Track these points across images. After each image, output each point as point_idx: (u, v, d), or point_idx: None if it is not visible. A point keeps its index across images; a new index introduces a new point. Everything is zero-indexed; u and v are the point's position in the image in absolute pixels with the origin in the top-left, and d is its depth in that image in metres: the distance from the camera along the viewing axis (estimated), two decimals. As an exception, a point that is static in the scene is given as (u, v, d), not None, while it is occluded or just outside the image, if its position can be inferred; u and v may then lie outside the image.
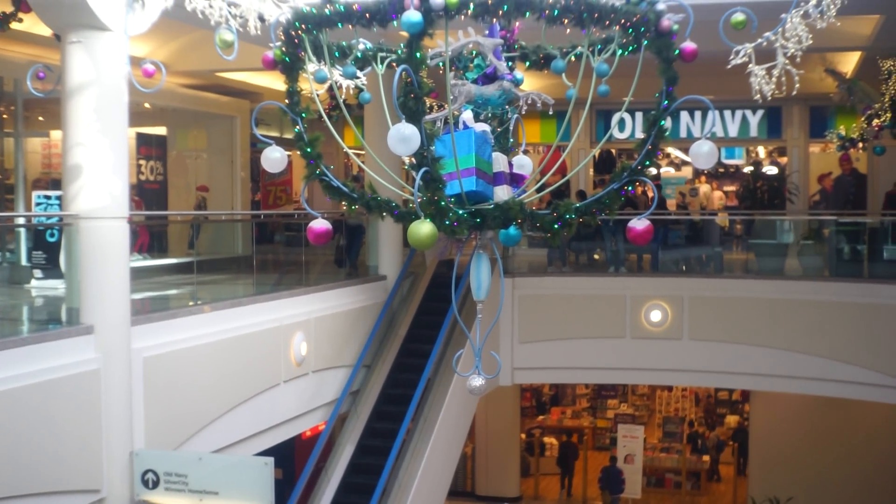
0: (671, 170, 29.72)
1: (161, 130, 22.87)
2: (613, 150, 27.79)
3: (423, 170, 4.74)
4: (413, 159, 4.78)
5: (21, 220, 16.85)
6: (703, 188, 27.45)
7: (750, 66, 5.75)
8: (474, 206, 5.09)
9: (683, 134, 24.95)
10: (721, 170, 29.53)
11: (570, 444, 28.04)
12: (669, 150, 28.31)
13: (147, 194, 21.02)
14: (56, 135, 21.85)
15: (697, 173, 28.26)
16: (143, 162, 21.18)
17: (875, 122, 18.02)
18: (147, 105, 20.53)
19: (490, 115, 5.64)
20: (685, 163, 29.07)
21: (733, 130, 25.81)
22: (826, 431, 23.69)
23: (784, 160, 26.54)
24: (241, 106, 23.01)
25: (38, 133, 20.95)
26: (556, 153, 19.74)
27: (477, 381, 5.44)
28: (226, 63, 13.82)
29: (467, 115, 5.43)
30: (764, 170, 26.65)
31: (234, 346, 13.39)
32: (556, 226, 5.07)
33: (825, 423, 23.63)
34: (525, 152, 6.00)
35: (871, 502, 23.21)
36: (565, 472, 27.54)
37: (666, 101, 5.00)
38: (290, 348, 14.70)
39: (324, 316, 15.90)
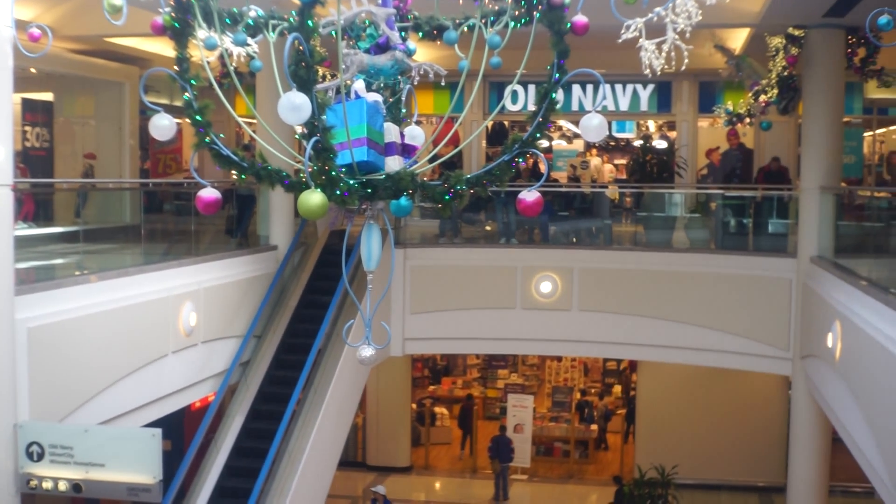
0: (563, 142, 29.89)
1: (48, 96, 22.38)
2: (506, 122, 27.90)
3: (313, 139, 4.72)
4: (304, 128, 4.75)
5: None
6: (594, 161, 27.69)
7: (640, 40, 5.80)
8: (365, 176, 5.08)
9: (575, 107, 25.08)
10: (612, 143, 29.79)
11: (469, 405, 28.24)
12: (561, 122, 28.54)
13: (33, 161, 20.55)
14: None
15: (588, 146, 28.44)
16: (28, 128, 20.71)
17: (762, 97, 18.34)
18: (33, 70, 20.07)
19: (382, 85, 5.64)
20: (577, 136, 29.26)
21: (624, 104, 26.00)
22: (711, 401, 24.21)
23: (673, 134, 26.83)
24: (130, 72, 22.62)
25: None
26: (449, 124, 19.75)
27: (367, 352, 5.46)
28: (114, 28, 13.55)
29: (359, 85, 5.42)
30: (654, 143, 26.88)
31: (122, 316, 13.20)
32: (446, 197, 5.09)
33: (710, 393, 24.16)
34: (417, 123, 6.01)
35: (753, 470, 23.81)
36: (466, 432, 27.91)
37: (557, 74, 5.03)
38: (179, 318, 14.56)
39: (213, 286, 15.76)
